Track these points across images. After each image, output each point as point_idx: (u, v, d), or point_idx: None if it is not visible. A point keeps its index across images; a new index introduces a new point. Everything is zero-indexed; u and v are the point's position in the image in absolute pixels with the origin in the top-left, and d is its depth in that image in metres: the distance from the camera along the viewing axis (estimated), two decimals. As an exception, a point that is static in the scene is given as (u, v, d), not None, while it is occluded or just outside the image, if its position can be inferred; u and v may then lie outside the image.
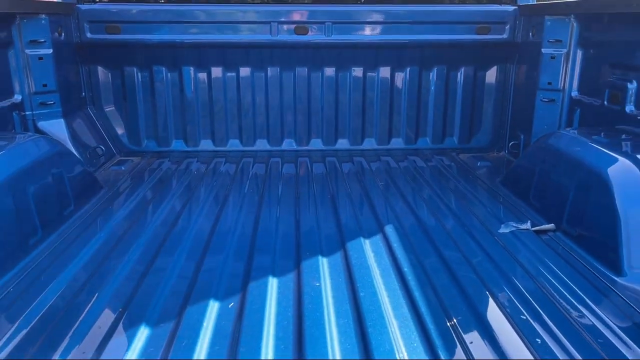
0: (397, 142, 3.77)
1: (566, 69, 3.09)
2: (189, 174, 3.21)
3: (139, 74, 3.57)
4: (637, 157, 2.05)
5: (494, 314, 1.62)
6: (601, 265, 1.95)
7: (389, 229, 2.29)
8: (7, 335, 1.51)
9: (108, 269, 1.92)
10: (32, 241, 2.09)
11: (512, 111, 3.59)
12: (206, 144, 3.71)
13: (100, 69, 3.54)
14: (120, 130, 3.65)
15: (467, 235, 2.23)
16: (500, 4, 3.52)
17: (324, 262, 2.00)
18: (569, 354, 1.41)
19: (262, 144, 3.74)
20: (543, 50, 3.15)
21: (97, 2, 3.40)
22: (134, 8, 3.42)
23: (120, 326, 1.55)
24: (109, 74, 3.57)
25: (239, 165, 3.40)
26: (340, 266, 1.96)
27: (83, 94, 3.48)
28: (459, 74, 3.66)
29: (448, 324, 1.56)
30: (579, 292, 1.77)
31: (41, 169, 2.30)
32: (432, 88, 3.68)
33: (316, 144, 3.76)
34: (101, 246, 2.13)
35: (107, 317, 1.61)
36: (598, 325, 1.55)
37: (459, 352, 1.43)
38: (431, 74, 3.65)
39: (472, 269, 1.91)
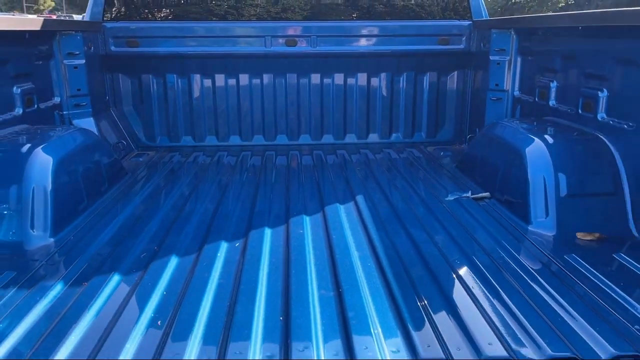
0: (373, 137, 4.32)
1: (509, 73, 3.72)
2: (196, 165, 3.68)
3: (154, 81, 4.11)
4: (545, 138, 2.68)
5: (437, 261, 2.13)
6: (518, 219, 2.56)
7: (362, 204, 2.79)
8: (71, 266, 2.10)
9: (135, 232, 2.44)
10: (81, 207, 2.69)
11: (470, 109, 4.20)
12: (211, 140, 4.24)
13: (121, 76, 4.10)
14: (137, 128, 4.18)
15: (422, 206, 2.82)
16: (458, 19, 4.17)
17: (307, 220, 2.58)
18: (489, 284, 1.92)
19: (258, 139, 4.27)
20: (491, 57, 3.77)
21: (119, 20, 4.01)
22: (150, 25, 4.02)
23: (154, 263, 2.10)
24: (129, 81, 4.12)
25: (238, 157, 3.87)
26: (320, 223, 2.56)
27: (107, 97, 4.04)
28: (425, 79, 4.25)
29: (402, 266, 2.06)
30: (502, 241, 2.32)
31: (85, 152, 2.90)
32: (403, 91, 4.24)
33: (305, 139, 4.33)
34: (129, 216, 2.66)
35: (143, 256, 2.19)
36: (512, 263, 2.08)
37: (407, 284, 1.92)
38: (402, 78, 4.24)
39: (424, 230, 2.44)
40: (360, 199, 2.91)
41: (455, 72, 4.23)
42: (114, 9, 4.02)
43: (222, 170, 3.53)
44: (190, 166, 3.67)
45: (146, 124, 4.20)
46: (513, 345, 1.53)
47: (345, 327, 1.65)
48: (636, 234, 2.35)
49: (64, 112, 3.53)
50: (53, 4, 72.53)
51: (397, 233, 2.41)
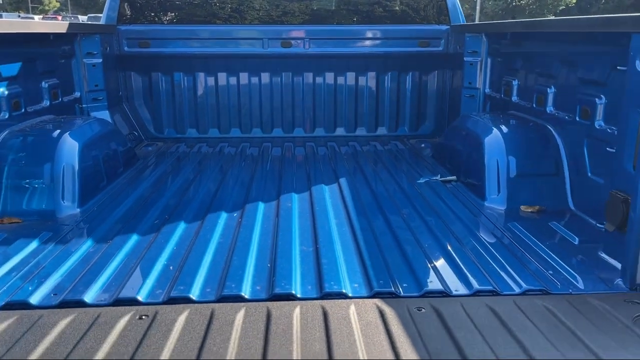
0: (361, 131, 4.74)
1: (480, 72, 4.14)
2: (200, 154, 4.08)
3: (162, 78, 4.54)
4: (501, 128, 3.10)
5: (400, 225, 2.56)
6: (476, 197, 2.99)
7: (344, 186, 3.19)
8: (97, 230, 2.54)
9: (149, 205, 2.85)
10: (101, 185, 3.13)
11: (448, 106, 4.64)
12: (213, 132, 4.64)
13: (133, 74, 4.53)
14: (147, 121, 4.59)
15: (397, 188, 3.23)
16: (437, 24, 4.60)
17: (294, 198, 3.03)
18: (437, 240, 2.36)
19: (256, 132, 4.69)
20: (465, 59, 4.19)
21: (132, 24, 4.45)
22: (160, 28, 4.46)
23: (165, 227, 2.54)
24: (140, 78, 4.54)
25: (238, 148, 4.27)
26: (306, 199, 2.99)
27: (120, 92, 4.47)
28: (408, 78, 4.67)
29: (371, 233, 2.46)
30: (458, 213, 2.75)
31: (104, 139, 3.34)
32: (388, 88, 4.67)
33: (298, 132, 4.74)
34: (142, 193, 3.08)
35: (156, 222, 2.64)
36: (462, 228, 2.52)
37: (372, 244, 2.33)
38: (387, 77, 4.66)
39: (394, 206, 2.84)
40: (343, 182, 3.32)
41: (435, 72, 4.65)
42: (127, 14, 4.45)
43: (223, 159, 3.92)
44: (195, 155, 4.06)
45: (155, 117, 4.61)
46: (447, 282, 1.96)
47: (318, 271, 2.08)
48: (572, 207, 2.77)
49: (84, 105, 3.96)
50: (58, 4, 73.10)
51: (371, 208, 2.84)
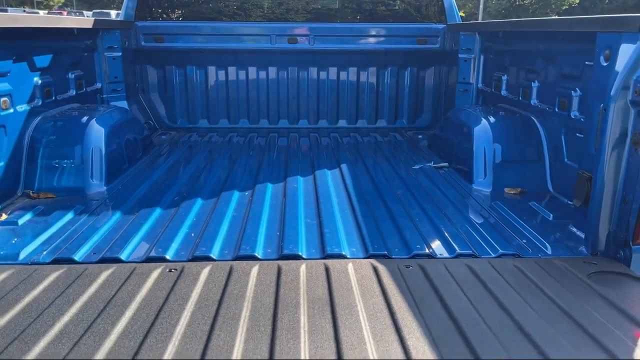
0: (362, 122, 5.03)
1: (474, 68, 4.43)
2: (210, 143, 4.36)
3: (176, 71, 4.82)
4: (489, 119, 3.40)
5: (394, 203, 2.87)
6: (465, 181, 3.29)
7: (345, 171, 3.49)
8: (123, 204, 2.84)
9: (167, 185, 3.14)
10: (124, 167, 3.44)
11: (444, 100, 4.93)
12: (223, 122, 4.93)
13: (149, 67, 4.83)
14: (161, 112, 4.89)
15: (394, 174, 3.53)
16: (434, 23, 4.88)
17: (299, 181, 3.33)
18: (427, 215, 2.67)
19: (263, 123, 4.98)
20: (460, 55, 4.48)
21: (148, 20, 4.75)
22: (174, 24, 4.76)
23: (185, 203, 2.85)
24: (155, 71, 4.84)
25: (246, 137, 4.55)
26: (310, 182, 3.29)
27: (137, 84, 4.78)
28: (406, 73, 4.96)
29: (367, 208, 2.82)
30: (450, 197, 3.06)
31: (126, 126, 3.64)
32: (387, 83, 4.97)
33: (303, 123, 5.03)
34: (161, 175, 3.37)
35: (176, 199, 2.94)
36: (450, 206, 2.82)
37: (369, 218, 2.62)
38: (386, 72, 4.95)
39: (390, 189, 3.13)
40: (344, 167, 3.61)
41: (432, 68, 4.94)
42: (144, 10, 4.75)
43: (233, 148, 4.20)
44: (206, 144, 4.34)
45: (169, 108, 4.90)
46: (433, 247, 2.27)
47: (321, 238, 2.38)
48: (551, 190, 3.06)
49: (104, 95, 4.26)
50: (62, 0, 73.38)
51: (369, 190, 3.13)
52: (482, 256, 2.21)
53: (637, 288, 1.89)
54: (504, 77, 3.86)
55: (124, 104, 4.39)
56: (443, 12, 4.81)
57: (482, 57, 4.34)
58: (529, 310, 1.72)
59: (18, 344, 1.50)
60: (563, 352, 1.48)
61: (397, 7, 5.01)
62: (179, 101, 4.90)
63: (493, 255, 2.22)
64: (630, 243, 2.10)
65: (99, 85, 4.22)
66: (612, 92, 2.10)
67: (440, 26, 4.80)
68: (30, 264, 2.10)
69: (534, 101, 3.35)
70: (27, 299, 1.78)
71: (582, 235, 2.36)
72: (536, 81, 3.34)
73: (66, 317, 1.66)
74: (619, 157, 2.14)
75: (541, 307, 1.74)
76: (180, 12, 4.90)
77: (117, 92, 4.37)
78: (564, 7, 46.01)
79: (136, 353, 1.46)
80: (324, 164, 3.73)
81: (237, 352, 1.47)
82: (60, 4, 73.36)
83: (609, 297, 1.81)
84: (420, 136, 4.70)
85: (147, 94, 4.87)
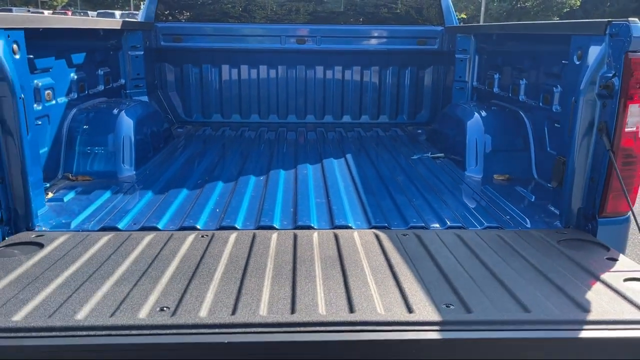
0: (365, 118, 5.36)
1: (469, 68, 4.77)
2: (224, 137, 4.70)
3: (192, 69, 5.16)
4: (481, 113, 3.75)
5: (394, 185, 3.28)
6: (459, 168, 3.63)
7: (350, 160, 3.85)
8: (153, 186, 3.19)
9: (189, 171, 3.49)
10: (149, 155, 3.79)
11: (442, 97, 5.27)
12: (235, 117, 5.26)
13: (167, 65, 5.17)
14: (178, 106, 5.24)
15: (395, 163, 3.89)
16: (433, 25, 5.23)
17: (309, 168, 3.67)
18: (422, 194, 3.06)
19: (273, 118, 5.32)
20: (456, 56, 4.82)
21: (167, 21, 5.11)
22: (191, 25, 5.11)
23: (207, 185, 3.22)
24: (172, 69, 5.18)
25: (257, 131, 4.88)
26: (319, 169, 3.65)
27: (156, 81, 5.14)
28: (407, 72, 5.30)
29: (371, 192, 3.20)
30: (444, 181, 3.41)
31: (150, 118, 4.00)
32: (389, 81, 5.31)
33: (310, 118, 5.37)
34: (183, 163, 3.71)
35: (199, 182, 3.29)
36: (443, 189, 3.19)
37: (372, 197, 3.04)
38: (388, 71, 5.29)
39: (391, 175, 3.47)
40: (349, 157, 3.96)
41: (431, 67, 5.28)
42: (163, 12, 5.10)
43: (245, 141, 4.53)
44: (219, 137, 4.68)
45: (185, 103, 5.25)
46: (427, 220, 2.62)
47: (330, 214, 2.73)
48: (536, 176, 3.41)
49: (127, 91, 4.61)
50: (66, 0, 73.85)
51: (372, 175, 3.49)
52: (470, 228, 2.56)
53: (598, 251, 2.24)
54: (496, 76, 4.20)
55: (144, 99, 4.73)
56: (441, 15, 5.16)
57: (476, 57, 4.68)
58: (505, 266, 2.07)
59: (89, 284, 1.86)
60: (530, 295, 1.82)
61: (398, 10, 5.36)
62: (195, 97, 5.23)
63: (479, 227, 2.57)
64: (596, 216, 2.45)
65: (122, 81, 4.56)
66: (581, 87, 2.45)
67: (439, 28, 5.14)
68: (82, 231, 2.45)
69: (521, 97, 3.70)
70: (87, 254, 2.13)
71: (557, 212, 2.71)
72: (523, 79, 3.68)
73: (123, 267, 2.01)
74: (587, 143, 2.48)
75: (516, 264, 2.09)
76: (196, 14, 5.25)
77: (139, 88, 4.71)
78: (565, 10, 46.33)
79: (184, 292, 1.81)
80: (330, 155, 4.07)
81: (265, 291, 1.82)
82: (64, 4, 73.83)
83: (573, 257, 2.15)
84: (419, 131, 5.03)
85: (165, 90, 5.21)
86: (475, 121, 3.67)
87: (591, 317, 1.65)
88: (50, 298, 1.75)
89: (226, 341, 1.51)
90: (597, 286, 1.89)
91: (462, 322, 1.62)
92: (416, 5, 5.33)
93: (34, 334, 1.53)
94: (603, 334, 1.59)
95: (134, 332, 1.55)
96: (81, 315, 1.63)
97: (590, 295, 1.83)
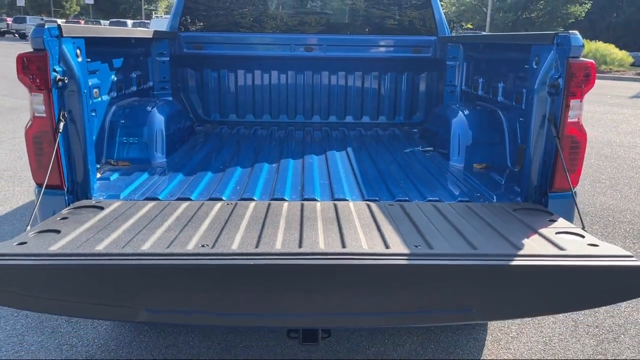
0: (365, 118, 5.93)
1: (458, 73, 5.35)
2: (239, 134, 5.34)
3: (211, 74, 5.79)
4: (465, 112, 4.32)
5: (385, 170, 3.85)
6: (445, 159, 4.20)
7: (351, 155, 4.48)
8: (182, 170, 3.78)
9: (210, 161, 4.07)
10: (177, 146, 4.39)
11: (435, 99, 5.84)
12: (249, 117, 5.86)
13: (188, 70, 5.79)
14: (198, 107, 5.87)
15: (390, 156, 4.47)
16: (427, 35, 5.81)
17: (314, 158, 4.25)
18: (412, 181, 3.63)
19: (283, 118, 5.91)
20: (447, 62, 5.40)
21: (189, 31, 5.73)
22: (211, 35, 5.72)
23: (227, 170, 3.80)
24: (194, 73, 5.82)
25: (268, 130, 5.48)
26: (323, 160, 4.22)
27: (179, 84, 5.75)
28: (403, 77, 5.87)
29: (367, 178, 3.77)
30: (430, 169, 3.99)
31: (177, 115, 4.60)
32: (388, 85, 5.91)
33: (316, 118, 5.95)
34: (204, 155, 4.31)
35: (221, 167, 3.88)
36: (431, 176, 3.78)
37: (368, 181, 3.63)
38: (387, 76, 5.86)
39: (385, 165, 4.08)
40: (350, 151, 4.54)
41: (425, 73, 5.85)
42: (186, 23, 5.73)
43: (258, 138, 5.12)
44: (235, 135, 5.29)
45: (204, 104, 5.83)
46: (410, 196, 3.19)
47: (331, 191, 3.31)
48: (509, 165, 3.97)
49: (155, 92, 5.22)
50: (78, 8, 75.26)
51: (369, 165, 4.06)
52: (445, 201, 3.12)
53: (544, 216, 2.80)
54: (480, 80, 4.77)
55: (170, 99, 5.34)
56: (435, 27, 5.74)
57: (464, 64, 5.26)
58: (466, 223, 2.63)
59: (145, 231, 2.44)
60: (480, 240, 2.38)
61: (396, 22, 5.95)
62: (213, 98, 5.83)
63: (452, 201, 3.13)
64: (548, 192, 3.01)
65: (151, 83, 5.17)
66: (535, 86, 3.02)
67: (432, 38, 5.72)
68: (130, 200, 3.04)
69: (499, 98, 4.26)
70: (140, 213, 2.72)
71: (519, 189, 3.27)
72: (501, 82, 4.25)
73: (169, 221, 2.59)
74: (541, 132, 3.05)
75: (474, 222, 2.65)
76: (215, 25, 5.87)
77: (165, 90, 5.32)
78: (570, 21, 46.76)
79: (218, 235, 2.39)
80: (333, 149, 4.65)
81: (279, 236, 2.39)
82: (76, 13, 75.16)
83: (522, 219, 2.71)
84: (415, 130, 5.60)
85: (186, 92, 5.82)
86: (459, 119, 4.24)
87: (522, 252, 2.21)
88: (120, 238, 2.33)
89: (252, 263, 2.08)
90: (534, 236, 2.45)
91: (425, 255, 2.19)
92: (412, 18, 5.92)
93: (113, 257, 2.11)
94: (529, 262, 2.15)
95: (184, 257, 2.13)
96: (145, 247, 2.21)
97: (526, 240, 2.39)
